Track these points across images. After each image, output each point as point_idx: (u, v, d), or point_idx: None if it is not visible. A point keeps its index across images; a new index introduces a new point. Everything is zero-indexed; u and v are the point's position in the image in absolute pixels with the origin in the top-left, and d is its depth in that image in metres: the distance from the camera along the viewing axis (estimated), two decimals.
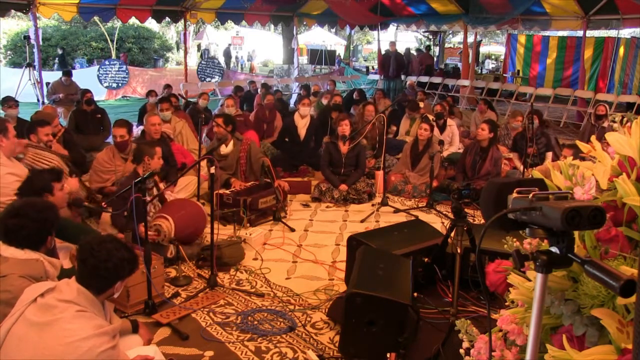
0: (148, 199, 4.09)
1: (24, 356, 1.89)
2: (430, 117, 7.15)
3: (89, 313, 1.97)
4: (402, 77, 14.08)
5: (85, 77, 13.10)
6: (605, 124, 7.02)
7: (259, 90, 10.70)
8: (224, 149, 5.59)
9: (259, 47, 29.49)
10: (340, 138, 5.76)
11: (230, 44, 27.42)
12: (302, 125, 6.90)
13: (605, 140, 1.71)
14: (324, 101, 8.65)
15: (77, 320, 1.92)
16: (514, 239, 1.87)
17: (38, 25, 10.15)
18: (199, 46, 27.01)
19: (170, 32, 27.40)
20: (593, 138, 1.76)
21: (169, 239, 3.86)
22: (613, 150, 1.69)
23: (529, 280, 1.70)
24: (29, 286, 2.12)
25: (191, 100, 8.20)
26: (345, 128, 5.76)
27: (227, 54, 25.55)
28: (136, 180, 3.25)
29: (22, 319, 1.95)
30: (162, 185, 4.40)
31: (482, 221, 3.46)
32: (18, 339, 1.92)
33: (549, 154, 6.22)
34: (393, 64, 13.47)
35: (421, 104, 8.32)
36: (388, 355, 2.64)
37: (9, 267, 2.34)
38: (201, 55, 23.54)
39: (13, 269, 2.33)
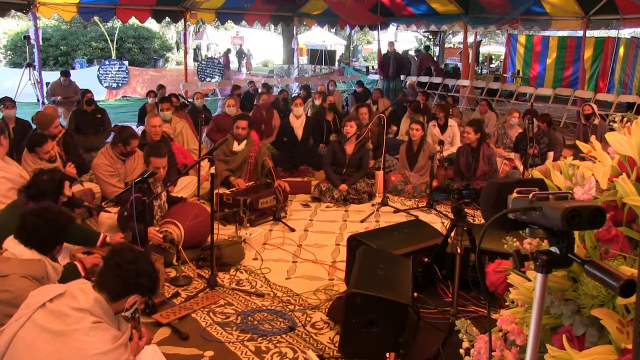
0: (155, 203, 4.11)
1: None
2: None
3: (104, 324, 1.94)
4: (402, 77, 14.07)
5: (85, 77, 13.12)
6: (596, 121, 7.06)
7: (259, 90, 10.70)
8: (237, 146, 5.60)
9: (258, 46, 29.51)
10: (344, 138, 5.78)
11: (241, 44, 27.44)
12: (297, 125, 6.92)
13: (603, 138, 1.71)
14: (317, 101, 8.66)
15: (94, 333, 1.89)
16: (514, 239, 1.87)
17: (38, 25, 10.15)
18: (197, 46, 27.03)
19: (170, 32, 27.38)
20: (593, 138, 1.76)
21: (176, 246, 3.83)
22: (613, 150, 1.69)
23: (529, 280, 1.70)
24: (35, 290, 2.09)
25: (189, 101, 8.21)
26: (350, 130, 5.76)
27: (240, 54, 25.61)
28: (136, 180, 3.25)
29: (32, 325, 1.90)
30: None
31: (482, 221, 3.46)
32: (27, 345, 1.88)
33: (551, 154, 6.22)
34: (393, 64, 13.46)
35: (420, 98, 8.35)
36: (387, 355, 2.64)
37: (10, 266, 2.34)
38: (194, 57, 23.42)
39: (14, 269, 2.33)
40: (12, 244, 2.46)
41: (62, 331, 1.87)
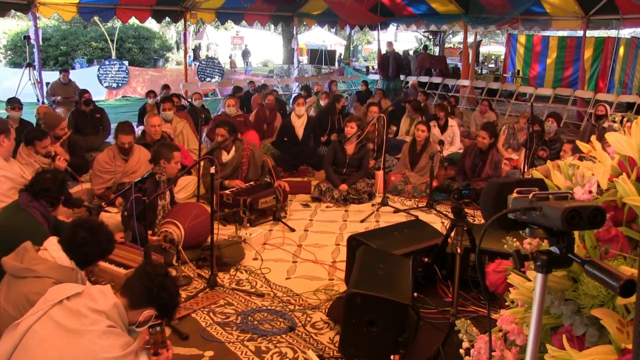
0: (160, 202, 4.13)
1: (48, 359, 1.88)
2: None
3: (118, 329, 1.98)
4: (402, 77, 14.08)
5: (85, 77, 13.12)
6: (606, 124, 7.01)
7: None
8: (225, 157, 5.43)
9: (258, 46, 29.63)
10: (344, 138, 5.78)
11: (246, 45, 27.68)
12: (299, 125, 6.91)
13: (606, 140, 1.71)
14: (322, 102, 8.66)
15: (107, 336, 1.92)
16: (514, 239, 1.86)
17: (38, 25, 10.15)
18: (196, 46, 27.15)
19: (170, 32, 27.38)
20: (593, 138, 1.76)
21: (176, 246, 3.83)
22: (613, 150, 1.69)
23: (529, 280, 1.70)
24: (54, 287, 2.13)
25: (189, 101, 8.21)
26: (350, 130, 5.76)
27: (246, 54, 25.97)
28: (136, 181, 3.26)
29: (48, 319, 1.94)
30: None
31: (482, 221, 3.46)
32: (40, 339, 1.91)
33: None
34: (392, 64, 13.46)
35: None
36: (392, 357, 2.64)
37: (47, 269, 2.37)
38: (194, 57, 23.52)
39: (50, 273, 2.35)
40: (55, 248, 2.45)
41: (77, 330, 1.90)
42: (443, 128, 7.24)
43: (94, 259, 2.59)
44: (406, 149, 6.25)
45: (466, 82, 13.11)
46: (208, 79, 14.27)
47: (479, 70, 17.15)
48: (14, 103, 6.24)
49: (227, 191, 5.06)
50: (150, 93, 8.80)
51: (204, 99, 11.65)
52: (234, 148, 5.47)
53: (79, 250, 2.46)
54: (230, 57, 27.21)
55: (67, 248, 2.46)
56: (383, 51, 14.63)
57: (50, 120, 5.44)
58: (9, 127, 4.34)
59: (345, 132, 5.83)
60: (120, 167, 4.93)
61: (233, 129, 5.47)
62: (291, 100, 12.13)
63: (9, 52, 19.94)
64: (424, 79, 14.22)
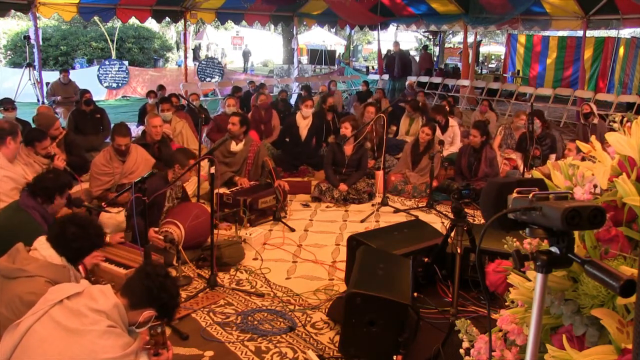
0: (168, 204, 4.14)
1: (48, 359, 1.88)
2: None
3: (118, 330, 1.98)
4: (408, 77, 14.10)
5: (85, 77, 13.11)
6: (595, 121, 7.12)
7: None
8: (234, 146, 5.59)
9: (258, 46, 29.69)
10: (342, 139, 5.77)
11: (247, 45, 27.81)
12: (304, 125, 6.91)
13: (605, 140, 1.71)
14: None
15: (107, 336, 1.92)
16: (514, 239, 1.86)
17: (38, 25, 10.16)
18: (196, 46, 27.20)
19: (170, 32, 27.37)
20: (593, 138, 1.76)
21: (176, 246, 3.83)
22: (613, 150, 1.69)
23: (529, 280, 1.70)
24: (54, 286, 2.12)
25: (188, 101, 8.21)
26: (345, 130, 5.77)
27: (246, 55, 26.19)
28: (136, 181, 3.26)
29: (48, 319, 1.94)
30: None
31: (482, 221, 3.46)
32: (40, 339, 1.91)
33: (553, 156, 6.21)
34: (398, 64, 13.45)
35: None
36: (394, 358, 2.64)
37: (38, 268, 2.35)
38: (194, 57, 23.59)
39: (41, 272, 2.34)
40: (44, 246, 2.43)
41: (77, 330, 1.90)
42: (444, 128, 7.24)
43: (84, 253, 2.58)
44: (408, 148, 6.25)
45: (466, 82, 13.10)
46: (208, 79, 14.27)
47: (479, 70, 17.15)
48: (6, 104, 6.22)
49: (228, 191, 5.07)
50: (151, 93, 8.79)
51: (204, 98, 11.68)
52: (243, 141, 5.54)
53: (69, 246, 2.45)
54: (221, 57, 27.24)
55: (56, 244, 2.44)
56: (384, 51, 14.63)
57: (44, 122, 5.44)
58: (17, 130, 4.35)
59: (341, 133, 5.83)
60: (118, 168, 4.91)
61: (245, 120, 5.61)
62: (292, 101, 12.15)
63: (9, 52, 19.93)
64: (424, 78, 14.22)
